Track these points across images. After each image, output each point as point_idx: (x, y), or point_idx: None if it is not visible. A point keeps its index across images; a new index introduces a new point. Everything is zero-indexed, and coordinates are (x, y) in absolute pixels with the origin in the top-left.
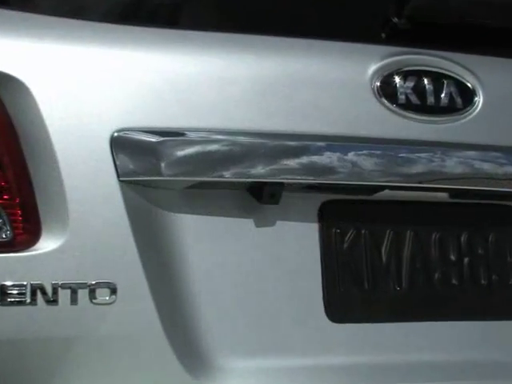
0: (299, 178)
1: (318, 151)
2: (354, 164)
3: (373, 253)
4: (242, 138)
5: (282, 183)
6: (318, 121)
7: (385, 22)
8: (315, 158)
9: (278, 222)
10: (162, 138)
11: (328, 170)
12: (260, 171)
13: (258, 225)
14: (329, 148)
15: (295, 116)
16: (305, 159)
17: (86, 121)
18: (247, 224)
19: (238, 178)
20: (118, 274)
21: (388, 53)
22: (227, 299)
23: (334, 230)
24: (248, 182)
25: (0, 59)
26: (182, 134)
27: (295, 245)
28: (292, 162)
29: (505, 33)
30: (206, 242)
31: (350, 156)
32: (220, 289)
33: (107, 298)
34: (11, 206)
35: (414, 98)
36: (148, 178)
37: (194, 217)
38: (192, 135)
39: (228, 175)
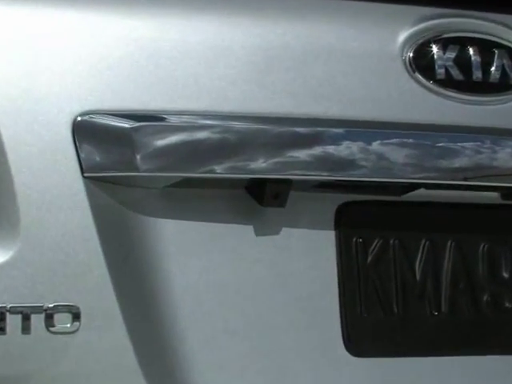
0: (311, 173)
1: (335, 140)
2: (380, 156)
3: (404, 268)
4: (238, 124)
5: (288, 180)
6: (335, 101)
7: None
8: (331, 149)
9: (285, 230)
10: (137, 124)
11: (347, 163)
12: (261, 165)
13: (258, 233)
14: (348, 136)
15: (306, 95)
16: (318, 150)
17: (41, 101)
18: (245, 232)
19: (233, 173)
20: (82, 296)
21: (423, 15)
22: (220, 326)
23: (354, 240)
24: (246, 180)
25: None
26: (163, 119)
27: (306, 258)
28: (302, 154)
29: None
30: (194, 254)
31: (376, 146)
32: (211, 313)
33: (68, 325)
34: None
35: (456, 73)
36: (120, 174)
37: (179, 223)
38: (175, 120)
39: (221, 170)
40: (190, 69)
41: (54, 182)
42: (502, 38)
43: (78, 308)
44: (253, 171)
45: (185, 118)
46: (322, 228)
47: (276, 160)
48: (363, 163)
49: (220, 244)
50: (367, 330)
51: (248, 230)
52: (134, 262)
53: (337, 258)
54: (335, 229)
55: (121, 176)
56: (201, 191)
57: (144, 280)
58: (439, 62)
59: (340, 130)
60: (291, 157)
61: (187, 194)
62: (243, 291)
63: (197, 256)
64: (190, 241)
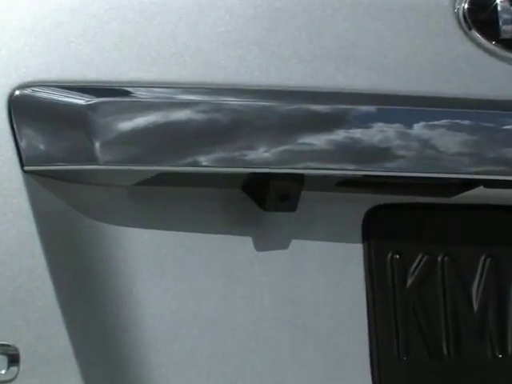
0: (330, 166)
1: (364, 121)
2: (424, 143)
3: (457, 295)
4: (232, 100)
5: (300, 176)
6: (364, 69)
7: None
8: (358, 134)
9: (295, 244)
10: (96, 99)
11: (380, 153)
12: (263, 156)
13: (260, 247)
14: (382, 115)
15: (324, 61)
16: (340, 135)
17: None
18: (242, 246)
19: (225, 167)
20: (22, 332)
21: None
22: (208, 375)
23: (389, 256)
24: (244, 175)
25: None
26: (131, 93)
27: (323, 281)
28: (318, 141)
29: None
30: (173, 276)
31: (419, 129)
32: (195, 356)
33: (3, 371)
34: None
35: None
36: (73, 168)
37: (153, 234)
38: (147, 94)
39: (209, 163)
40: (167, 25)
41: None
42: None
43: (15, 349)
44: (252, 163)
45: (160, 92)
46: (345, 240)
47: (283, 148)
48: (401, 153)
49: (208, 262)
50: (406, 377)
51: (245, 244)
52: (93, 287)
53: (365, 281)
54: (363, 241)
55: (74, 170)
56: (182, 191)
57: (105, 310)
58: (504, 16)
59: (370, 108)
60: (304, 144)
61: (164, 195)
62: (240, 326)
63: (177, 278)
64: (167, 258)
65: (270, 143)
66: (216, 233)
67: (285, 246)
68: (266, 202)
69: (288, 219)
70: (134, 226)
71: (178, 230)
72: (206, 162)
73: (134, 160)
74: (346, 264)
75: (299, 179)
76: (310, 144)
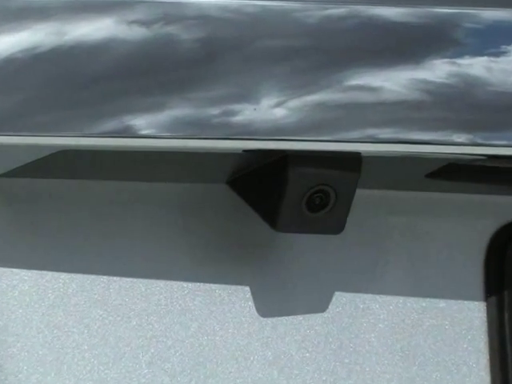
0: (415, 138)
1: (483, 45)
2: None
3: None
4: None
5: (352, 159)
6: None
7: None
8: (475, 69)
9: (341, 298)
10: None
11: None
12: (271, 116)
13: (268, 303)
14: None
15: None
16: (433, 72)
17: None
18: (232, 302)
19: (191, 138)
20: None
21: None
22: None
23: None
24: (231, 157)
25: None
26: None
27: (412, 371)
28: (389, 84)
29: None
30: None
31: None
32: None
33: None
34: None
35: None
36: None
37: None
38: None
39: (155, 130)
40: None
41: None
42: None
43: None
44: (249, 132)
45: None
46: (449, 289)
47: (314, 99)
48: None
49: (165, 330)
50: None
51: (239, 297)
52: None
53: (490, 366)
54: (487, 291)
55: None
56: (107, 187)
57: None
58: None
59: (494, 14)
60: (358, 89)
61: (69, 197)
62: None
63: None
64: (77, 317)
65: (284, 88)
66: (179, 273)
67: (325, 301)
68: (279, 212)
69: (327, 247)
70: (8, 263)
71: (95, 263)
72: (150, 128)
73: (5, 125)
74: (454, 333)
75: (350, 165)
76: (371, 89)
